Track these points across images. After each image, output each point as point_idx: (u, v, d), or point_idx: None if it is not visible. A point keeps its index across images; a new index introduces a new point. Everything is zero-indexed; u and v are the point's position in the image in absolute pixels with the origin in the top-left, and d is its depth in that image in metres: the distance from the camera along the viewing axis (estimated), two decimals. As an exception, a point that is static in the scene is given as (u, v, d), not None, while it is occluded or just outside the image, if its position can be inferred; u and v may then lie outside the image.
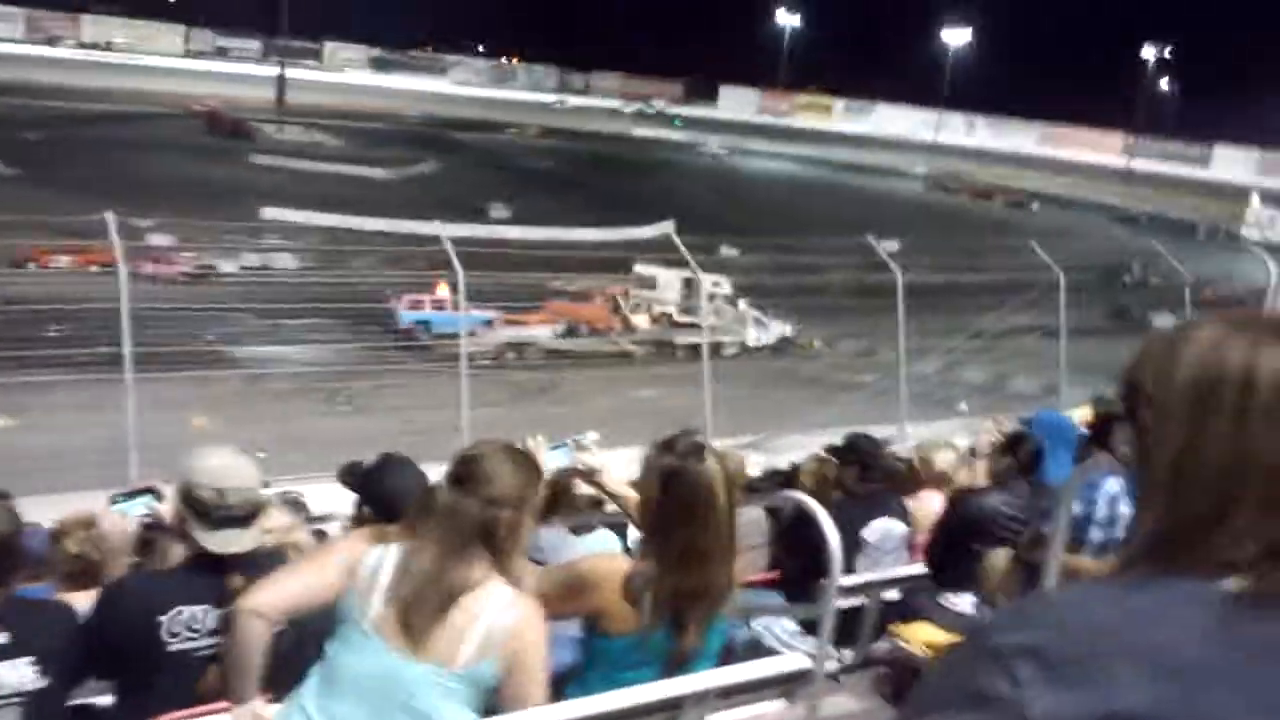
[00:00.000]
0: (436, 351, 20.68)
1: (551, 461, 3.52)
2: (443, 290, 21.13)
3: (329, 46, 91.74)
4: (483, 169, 56.92)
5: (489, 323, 22.31)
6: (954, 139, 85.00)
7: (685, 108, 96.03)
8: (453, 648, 2.36)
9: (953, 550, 4.22)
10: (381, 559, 2.41)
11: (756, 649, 4.18)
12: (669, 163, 65.92)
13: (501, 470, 2.46)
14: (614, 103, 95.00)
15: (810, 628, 4.19)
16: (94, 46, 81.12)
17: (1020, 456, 4.53)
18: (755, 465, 8.31)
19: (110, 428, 11.05)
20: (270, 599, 2.47)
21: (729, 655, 2.96)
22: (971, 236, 37.06)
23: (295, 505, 4.69)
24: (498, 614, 2.39)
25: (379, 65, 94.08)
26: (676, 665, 2.72)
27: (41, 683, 2.84)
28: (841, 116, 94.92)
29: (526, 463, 2.54)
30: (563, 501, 4.32)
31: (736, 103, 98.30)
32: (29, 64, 67.26)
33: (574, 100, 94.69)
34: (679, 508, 2.70)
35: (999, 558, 3.89)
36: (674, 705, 2.66)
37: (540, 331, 24.30)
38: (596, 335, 25.49)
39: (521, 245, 27.64)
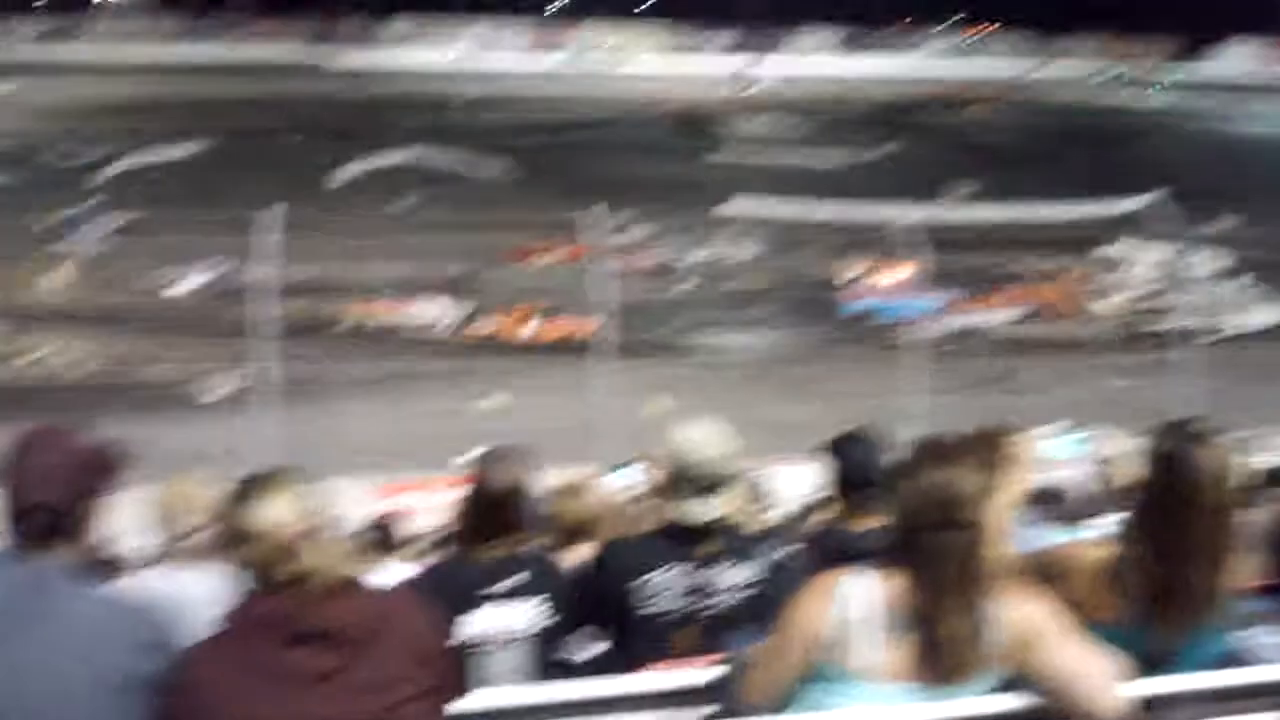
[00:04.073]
0: (889, 338, 20.57)
1: (1058, 452, 3.42)
2: (896, 275, 20.98)
3: (797, 33, 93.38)
4: (946, 148, 55.45)
5: (943, 308, 21.81)
6: None
7: (1175, 68, 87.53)
8: (968, 666, 2.32)
9: None
10: (847, 606, 2.33)
11: (1237, 660, 3.80)
12: (1152, 130, 60.35)
13: (966, 482, 2.32)
14: (1092, 68, 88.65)
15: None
16: (578, 56, 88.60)
17: None
18: (1248, 465, 7.49)
19: (583, 409, 12.17)
20: (765, 693, 2.45)
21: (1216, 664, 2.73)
22: None
23: (753, 487, 4.92)
24: (1000, 619, 2.32)
25: (846, 47, 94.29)
26: (1157, 664, 2.55)
27: (541, 624, 3.25)
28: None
29: (984, 458, 2.44)
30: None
31: (1235, 58, 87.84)
32: (526, 78, 74.97)
33: (1047, 68, 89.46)
34: (1172, 495, 2.55)
35: None
36: (1153, 705, 2.50)
37: (998, 316, 23.34)
38: (1061, 320, 24.02)
39: (980, 226, 26.59)
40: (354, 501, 9.33)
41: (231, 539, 2.20)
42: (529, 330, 20.84)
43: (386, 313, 19.68)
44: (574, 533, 4.08)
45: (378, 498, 10.75)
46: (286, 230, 12.15)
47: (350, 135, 51.73)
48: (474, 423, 15.25)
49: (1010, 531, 2.92)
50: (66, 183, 40.57)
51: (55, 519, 2.16)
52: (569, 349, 13.99)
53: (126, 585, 3.02)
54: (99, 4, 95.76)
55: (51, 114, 57.35)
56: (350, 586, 2.18)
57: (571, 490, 4.13)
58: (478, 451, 3.44)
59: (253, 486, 2.24)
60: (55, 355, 18.09)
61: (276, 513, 2.17)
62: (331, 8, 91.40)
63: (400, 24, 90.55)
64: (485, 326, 19.58)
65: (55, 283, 22.31)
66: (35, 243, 25.56)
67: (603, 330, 11.67)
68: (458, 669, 2.35)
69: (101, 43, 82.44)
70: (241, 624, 2.15)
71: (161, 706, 2.13)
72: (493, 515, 3.29)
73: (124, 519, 2.67)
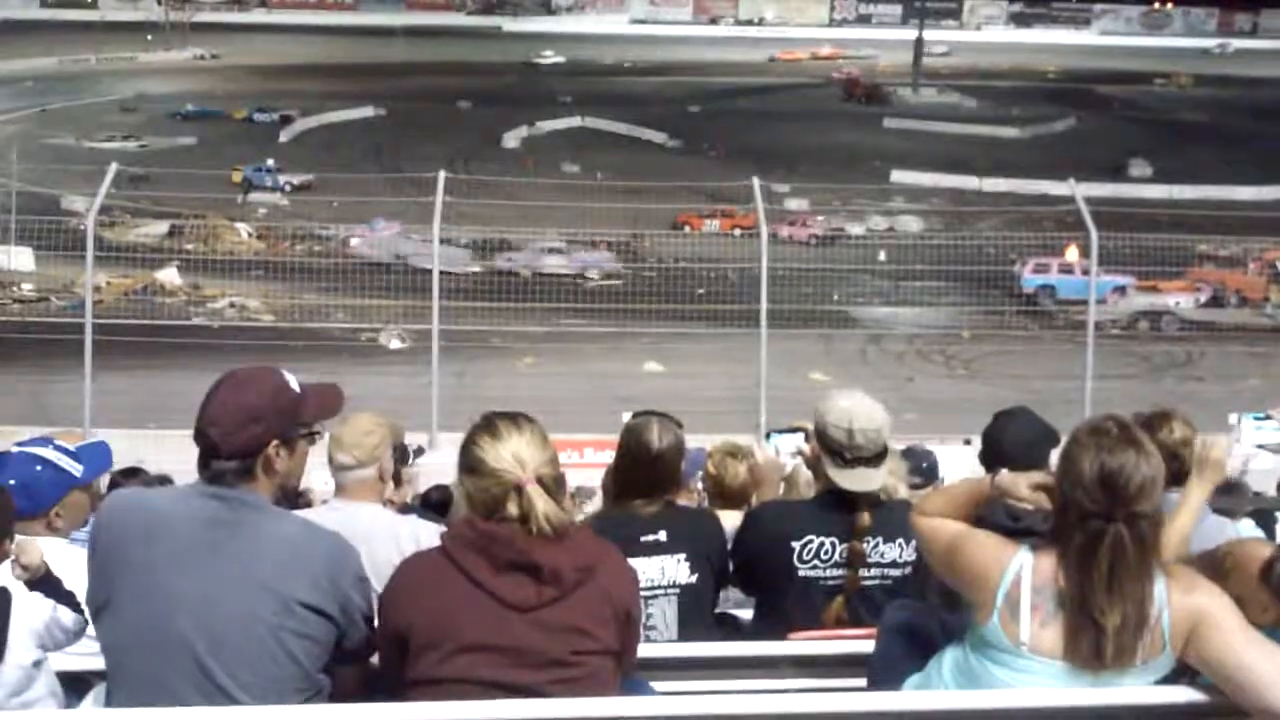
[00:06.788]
0: (1061, 317, 19.86)
1: (1240, 441, 3.26)
2: (1072, 253, 20.21)
3: (969, 4, 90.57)
4: (1126, 124, 53.05)
5: (1121, 289, 20.92)
6: None
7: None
8: (1131, 654, 2.25)
9: None
10: (1020, 578, 2.28)
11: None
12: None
13: (1140, 469, 2.22)
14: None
15: None
16: (748, 23, 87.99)
17: None
18: None
19: (742, 377, 12.19)
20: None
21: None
22: None
23: (915, 462, 4.85)
24: (1169, 605, 2.24)
25: (1019, 20, 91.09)
26: None
27: (691, 578, 3.24)
28: None
29: (1160, 443, 2.33)
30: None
31: None
32: (694, 43, 74.81)
33: (1238, 43, 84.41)
34: None
35: None
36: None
37: (1180, 300, 22.23)
38: (1248, 306, 22.71)
39: (1164, 205, 25.41)
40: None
41: (466, 469, 2.25)
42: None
43: (551, 266, 20.12)
44: (731, 495, 4.09)
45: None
46: (456, 191, 12.51)
47: (519, 101, 52.86)
48: (633, 385, 15.47)
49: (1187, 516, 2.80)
50: (253, 140, 42.75)
51: (242, 456, 2.23)
52: (731, 317, 14.03)
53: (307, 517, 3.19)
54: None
55: (240, 75, 60.33)
56: (567, 530, 2.21)
57: (730, 453, 4.14)
58: (631, 413, 3.48)
59: (496, 423, 2.28)
60: (237, 303, 19.11)
61: (516, 451, 2.22)
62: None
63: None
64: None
65: (239, 235, 23.51)
66: (222, 196, 27.02)
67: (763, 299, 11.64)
68: (637, 638, 2.36)
69: (286, 8, 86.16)
70: (458, 543, 2.20)
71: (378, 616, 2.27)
72: (644, 473, 3.30)
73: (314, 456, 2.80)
